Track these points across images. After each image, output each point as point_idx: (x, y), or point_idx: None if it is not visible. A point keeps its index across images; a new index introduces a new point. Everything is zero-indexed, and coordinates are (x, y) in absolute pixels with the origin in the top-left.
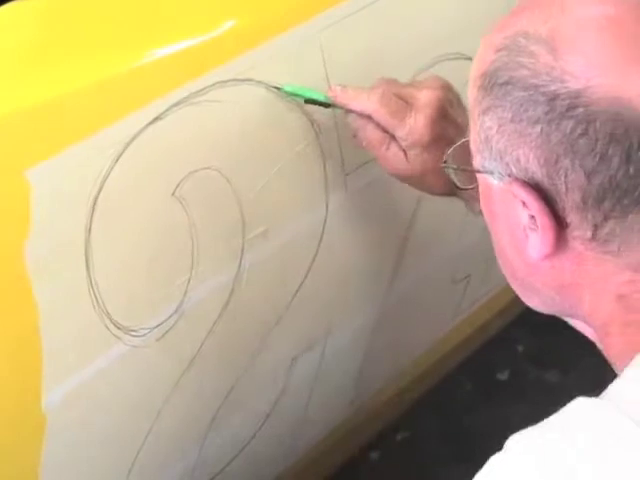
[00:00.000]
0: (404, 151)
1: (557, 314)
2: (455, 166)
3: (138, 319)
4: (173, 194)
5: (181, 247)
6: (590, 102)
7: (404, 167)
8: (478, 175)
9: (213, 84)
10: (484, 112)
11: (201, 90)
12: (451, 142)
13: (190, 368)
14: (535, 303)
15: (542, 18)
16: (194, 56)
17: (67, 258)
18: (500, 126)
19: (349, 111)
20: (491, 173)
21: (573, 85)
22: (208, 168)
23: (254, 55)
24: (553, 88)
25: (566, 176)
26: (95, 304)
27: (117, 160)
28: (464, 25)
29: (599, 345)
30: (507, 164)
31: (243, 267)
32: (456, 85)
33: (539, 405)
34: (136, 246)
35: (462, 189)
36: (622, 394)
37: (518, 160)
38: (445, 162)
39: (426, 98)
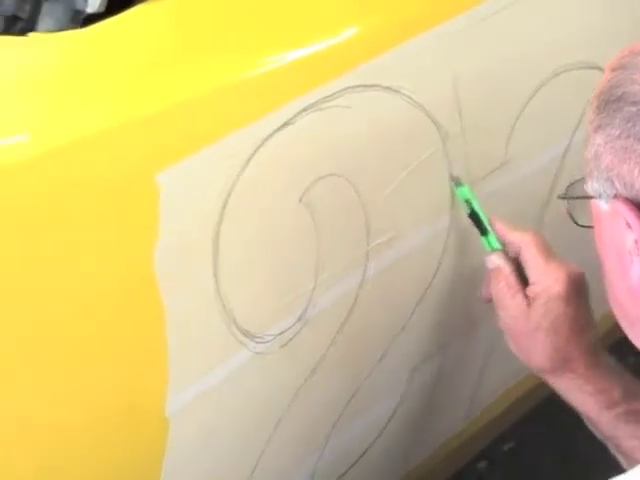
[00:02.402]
0: (529, 302)
1: None
2: (571, 195)
3: (263, 325)
4: (300, 200)
5: (307, 253)
6: None
7: (522, 317)
8: (592, 206)
9: (342, 90)
10: (595, 130)
11: (330, 96)
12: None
13: (312, 375)
14: None
15: None
16: (323, 61)
17: (195, 263)
18: (607, 143)
19: (503, 242)
20: (599, 196)
21: None
22: (335, 174)
23: (383, 61)
24: None
25: None
26: (221, 310)
27: (247, 164)
28: (590, 34)
29: None
30: (613, 182)
31: (367, 274)
32: (581, 96)
33: None
34: (263, 252)
35: (579, 225)
36: None
37: (623, 177)
38: (565, 195)
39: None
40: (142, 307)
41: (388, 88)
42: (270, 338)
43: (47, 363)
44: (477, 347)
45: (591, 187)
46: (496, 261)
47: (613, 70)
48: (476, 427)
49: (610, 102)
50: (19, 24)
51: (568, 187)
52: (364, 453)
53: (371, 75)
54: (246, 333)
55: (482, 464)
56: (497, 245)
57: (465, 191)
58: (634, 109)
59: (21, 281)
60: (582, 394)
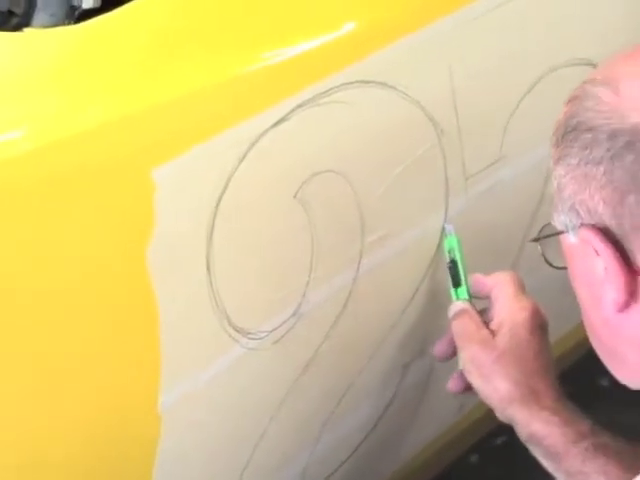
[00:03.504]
0: (494, 335)
1: None
2: (541, 236)
3: (256, 322)
4: (295, 196)
5: (301, 250)
6: None
7: (488, 346)
8: (562, 242)
9: (338, 86)
10: (556, 163)
11: (326, 92)
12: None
13: (305, 372)
14: (623, 374)
15: (609, 68)
16: (319, 57)
17: (189, 259)
18: (568, 173)
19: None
20: (567, 229)
21: (633, 119)
22: (330, 171)
23: (379, 57)
24: (614, 125)
25: (631, 213)
26: (215, 306)
27: (241, 161)
28: (585, 30)
29: None
30: (577, 211)
31: (361, 271)
32: None
33: None
34: (257, 248)
35: (554, 267)
36: None
37: (586, 204)
38: (537, 237)
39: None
40: (135, 303)
41: (384, 84)
42: (263, 334)
43: (38, 359)
44: None
45: (558, 221)
46: (461, 305)
47: (567, 103)
48: (468, 421)
49: (567, 133)
50: (14, 19)
51: (540, 230)
52: (356, 449)
53: (367, 71)
54: (239, 329)
55: (474, 458)
56: (465, 297)
57: (453, 241)
58: (590, 136)
59: (15, 275)
60: (548, 426)
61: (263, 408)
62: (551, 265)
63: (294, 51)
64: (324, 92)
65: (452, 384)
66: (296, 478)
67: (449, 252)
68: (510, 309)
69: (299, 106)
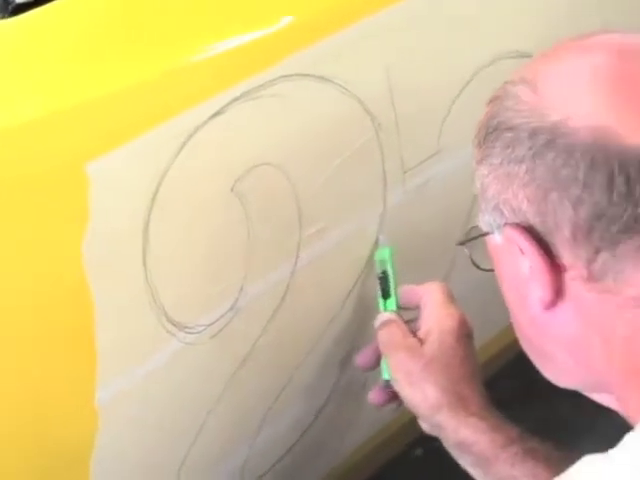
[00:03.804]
0: (422, 343)
1: (576, 387)
2: (467, 239)
3: (193, 316)
4: (232, 189)
5: (238, 243)
6: (569, 132)
7: (416, 353)
8: (488, 243)
9: (275, 79)
10: (479, 163)
11: (263, 85)
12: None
13: (243, 366)
14: (552, 373)
15: (529, 68)
16: (256, 50)
17: (124, 254)
18: (491, 172)
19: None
20: (492, 229)
21: (553, 118)
22: (267, 164)
23: (316, 50)
24: (534, 124)
25: (554, 210)
26: (151, 300)
27: (177, 154)
28: (525, 23)
29: (622, 413)
30: (501, 211)
31: (299, 264)
32: None
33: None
34: (193, 242)
35: (482, 269)
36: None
37: (510, 202)
38: (463, 240)
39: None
40: (70, 298)
41: (321, 78)
42: (201, 328)
43: None
44: None
45: (483, 221)
46: (388, 315)
47: (489, 104)
48: (412, 414)
49: (488, 134)
50: None
51: (467, 232)
52: (297, 442)
53: (304, 64)
54: (176, 324)
55: (418, 451)
56: (394, 308)
57: (385, 253)
58: (511, 134)
59: None
60: (477, 432)
61: (201, 402)
62: (479, 268)
63: (230, 44)
64: (261, 85)
65: (374, 396)
66: (236, 472)
67: (380, 263)
68: (438, 317)
69: (235, 99)
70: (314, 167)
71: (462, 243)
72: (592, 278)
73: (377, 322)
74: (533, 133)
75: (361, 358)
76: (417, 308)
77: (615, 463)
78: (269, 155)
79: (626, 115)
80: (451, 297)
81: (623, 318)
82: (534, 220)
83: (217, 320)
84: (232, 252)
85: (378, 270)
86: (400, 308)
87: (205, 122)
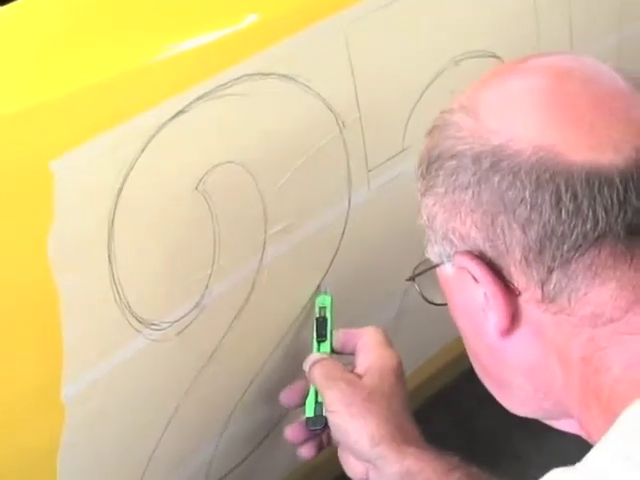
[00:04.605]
0: (360, 377)
1: (535, 415)
2: (417, 273)
3: (159, 313)
4: (196, 188)
5: (203, 241)
6: (513, 153)
7: (357, 386)
8: (439, 275)
9: (238, 78)
10: (423, 195)
11: (226, 84)
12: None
13: (209, 363)
14: (510, 402)
15: (467, 96)
16: (219, 49)
17: (90, 251)
18: (436, 202)
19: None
20: (442, 260)
21: (495, 141)
22: (232, 162)
23: (279, 49)
24: (477, 148)
25: (504, 234)
26: (117, 297)
27: (141, 153)
28: (491, 22)
29: (585, 437)
30: (450, 240)
31: (265, 262)
32: None
33: None
34: (158, 239)
35: (435, 304)
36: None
37: (458, 230)
38: (412, 275)
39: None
40: (35, 294)
41: (284, 76)
42: (166, 325)
43: None
44: None
45: (432, 253)
46: (321, 355)
47: (427, 135)
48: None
49: (430, 164)
50: None
51: (416, 268)
52: (263, 440)
53: (268, 63)
54: (142, 320)
55: None
56: (327, 351)
57: (327, 300)
58: (454, 162)
59: None
60: (420, 461)
61: (168, 399)
62: (432, 303)
63: (193, 43)
64: (224, 84)
65: (292, 433)
66: (202, 469)
67: (320, 308)
68: (380, 355)
69: (199, 98)
70: (278, 165)
71: (412, 278)
72: (546, 299)
73: (308, 362)
74: (476, 158)
75: (286, 397)
76: (352, 353)
77: (584, 473)
78: (233, 154)
79: (568, 133)
80: (390, 340)
81: (579, 337)
82: (484, 246)
83: (183, 317)
84: (197, 250)
85: (317, 314)
86: (334, 353)
87: (169, 120)
